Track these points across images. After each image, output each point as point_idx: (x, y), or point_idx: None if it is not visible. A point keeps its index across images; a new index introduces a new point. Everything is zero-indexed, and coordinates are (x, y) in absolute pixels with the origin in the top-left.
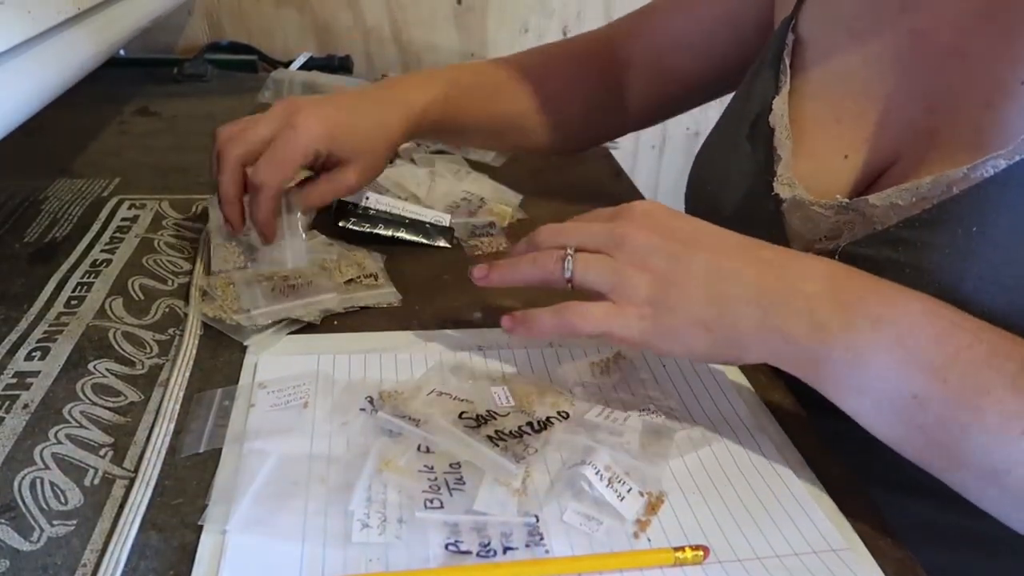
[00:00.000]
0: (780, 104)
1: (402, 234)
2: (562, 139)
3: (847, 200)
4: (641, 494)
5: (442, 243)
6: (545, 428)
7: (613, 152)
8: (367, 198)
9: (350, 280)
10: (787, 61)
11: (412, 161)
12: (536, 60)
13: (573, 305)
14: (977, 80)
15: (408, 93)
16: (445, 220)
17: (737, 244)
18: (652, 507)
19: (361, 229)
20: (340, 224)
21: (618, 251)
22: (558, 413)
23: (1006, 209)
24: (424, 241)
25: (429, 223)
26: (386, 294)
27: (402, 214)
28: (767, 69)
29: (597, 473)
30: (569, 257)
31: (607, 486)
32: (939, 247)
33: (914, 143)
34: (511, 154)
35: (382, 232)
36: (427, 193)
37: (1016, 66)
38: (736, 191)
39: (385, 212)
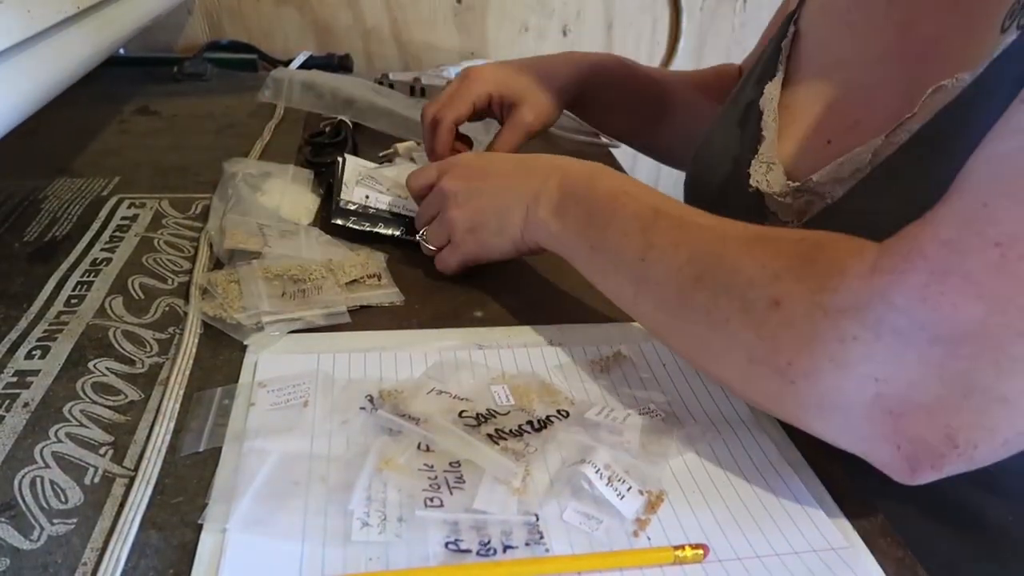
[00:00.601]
0: (772, 89)
1: (401, 233)
2: (683, 156)
3: (797, 184)
4: (641, 493)
5: None
6: (545, 427)
7: (613, 151)
8: (366, 197)
9: (354, 280)
10: (785, 51)
11: (412, 160)
12: (677, 77)
13: (440, 255)
14: (955, 69)
15: (574, 54)
16: None
17: (516, 166)
18: (652, 506)
19: (361, 228)
20: (340, 223)
21: (443, 205)
22: (558, 412)
23: (921, 169)
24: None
25: None
26: (389, 294)
27: (401, 213)
28: (767, 59)
29: (597, 472)
30: (422, 240)
31: (607, 485)
32: (878, 212)
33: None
34: None
35: (381, 231)
36: None
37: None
38: (723, 171)
39: (384, 211)
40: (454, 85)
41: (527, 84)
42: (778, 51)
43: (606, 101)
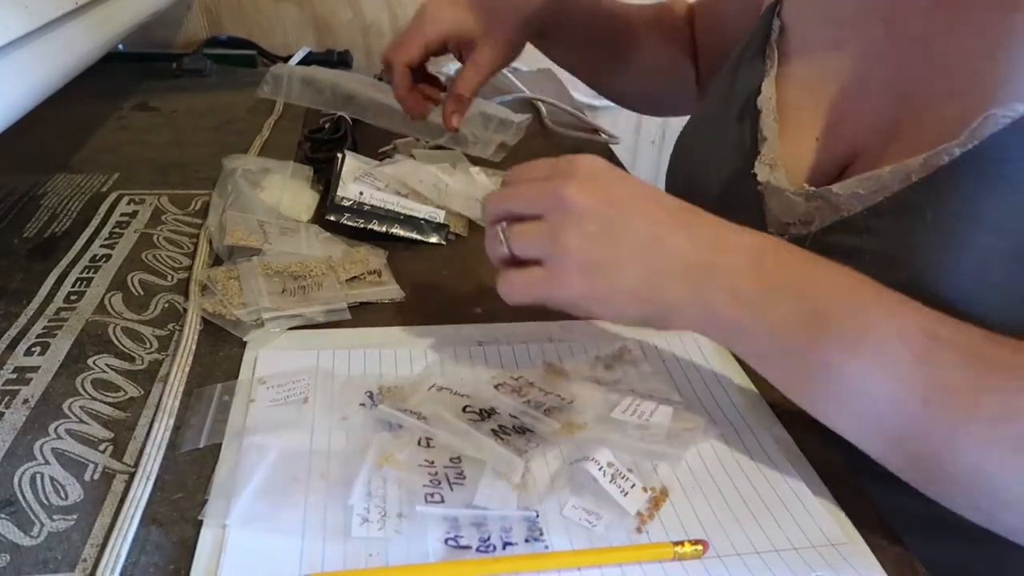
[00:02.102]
0: (768, 87)
1: (396, 230)
2: (644, 90)
3: (814, 188)
4: (644, 490)
5: (435, 239)
6: (549, 415)
7: (613, 147)
8: (360, 194)
9: (354, 277)
10: (775, 46)
11: (412, 157)
12: (634, 13)
13: (502, 275)
14: (941, 71)
15: None
16: (439, 216)
17: (671, 212)
18: (656, 502)
19: (355, 225)
20: (334, 219)
21: (554, 213)
22: (560, 398)
23: (960, 196)
24: (417, 237)
25: (423, 219)
26: (389, 290)
27: (396, 210)
28: (754, 54)
29: (600, 469)
30: (501, 233)
31: (610, 482)
32: (901, 235)
33: (881, 132)
34: (509, 150)
35: (376, 228)
36: (440, 193)
37: (976, 57)
38: (721, 173)
39: (380, 208)
40: (409, 25)
41: (484, 23)
42: (764, 45)
43: (571, 37)
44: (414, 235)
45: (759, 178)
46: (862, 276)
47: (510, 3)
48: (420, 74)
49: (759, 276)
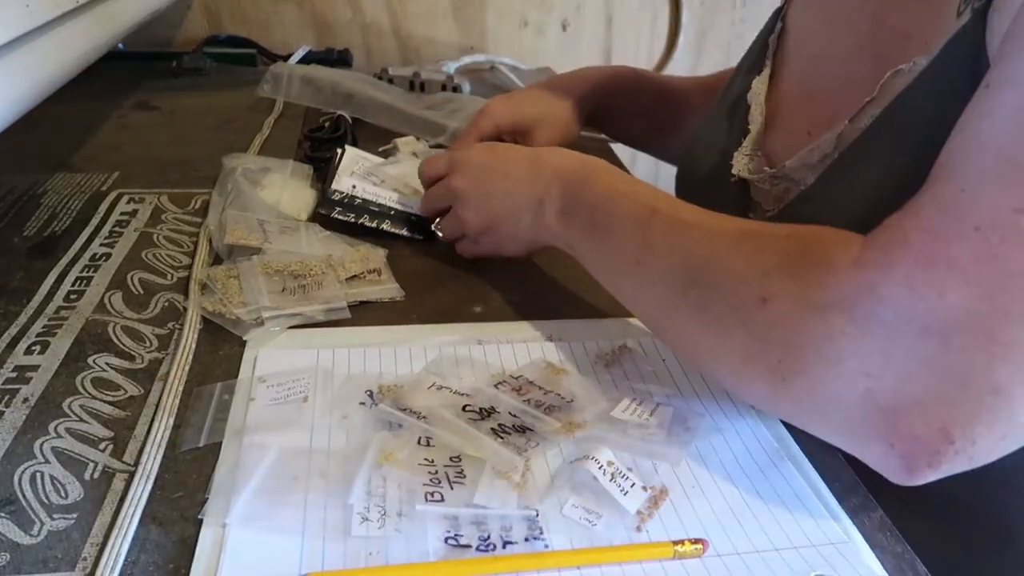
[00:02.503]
0: (759, 84)
1: (387, 226)
2: None
3: (773, 170)
4: (644, 488)
5: (427, 236)
6: (549, 412)
7: (613, 146)
8: (353, 187)
9: (354, 276)
10: (772, 46)
11: (414, 156)
12: (688, 83)
13: (456, 245)
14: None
15: (589, 70)
16: None
17: (524, 167)
18: (656, 501)
19: (346, 219)
20: (325, 213)
21: (455, 203)
22: (560, 396)
23: (884, 152)
24: (407, 234)
25: (415, 216)
26: (389, 289)
27: (388, 205)
28: (757, 54)
29: (600, 468)
30: (436, 229)
31: (610, 481)
32: (847, 196)
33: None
34: None
35: (367, 223)
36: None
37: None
38: (709, 162)
39: (372, 202)
40: (472, 119)
41: (538, 111)
42: (765, 46)
43: (621, 112)
44: (403, 232)
45: (733, 169)
46: (633, 180)
47: (564, 90)
48: None
49: (567, 195)
